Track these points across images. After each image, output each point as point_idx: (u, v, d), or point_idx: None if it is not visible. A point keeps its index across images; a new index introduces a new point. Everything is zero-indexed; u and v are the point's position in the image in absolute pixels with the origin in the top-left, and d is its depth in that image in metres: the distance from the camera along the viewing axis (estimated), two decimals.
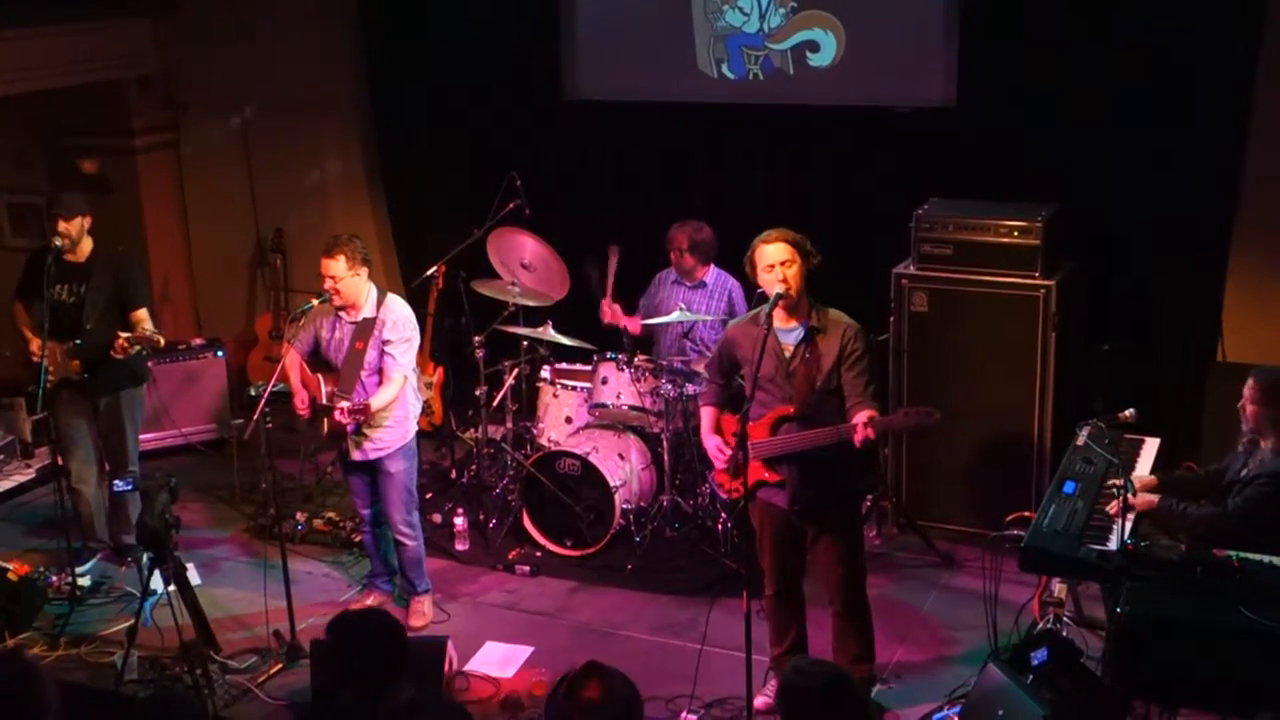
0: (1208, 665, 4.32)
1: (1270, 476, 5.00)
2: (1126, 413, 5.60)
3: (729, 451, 5.31)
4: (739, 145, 7.87)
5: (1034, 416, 6.59)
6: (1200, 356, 7.00)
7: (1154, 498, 5.19)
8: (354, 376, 5.95)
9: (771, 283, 5.07)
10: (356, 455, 6.06)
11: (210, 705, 5.54)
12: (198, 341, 8.59)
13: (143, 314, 6.59)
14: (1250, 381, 5.17)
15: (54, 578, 6.63)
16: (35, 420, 7.50)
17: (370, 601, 6.45)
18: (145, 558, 5.85)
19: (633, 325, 7.29)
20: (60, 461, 6.72)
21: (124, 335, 6.24)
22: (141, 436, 8.11)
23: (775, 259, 5.07)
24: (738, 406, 5.20)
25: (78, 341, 6.45)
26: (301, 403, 6.05)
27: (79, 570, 6.66)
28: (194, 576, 6.40)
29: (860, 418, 4.99)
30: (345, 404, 5.80)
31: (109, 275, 6.55)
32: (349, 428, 5.90)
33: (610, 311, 7.34)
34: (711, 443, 5.42)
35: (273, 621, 6.07)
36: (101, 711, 5.62)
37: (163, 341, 6.52)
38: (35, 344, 6.46)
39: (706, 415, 5.49)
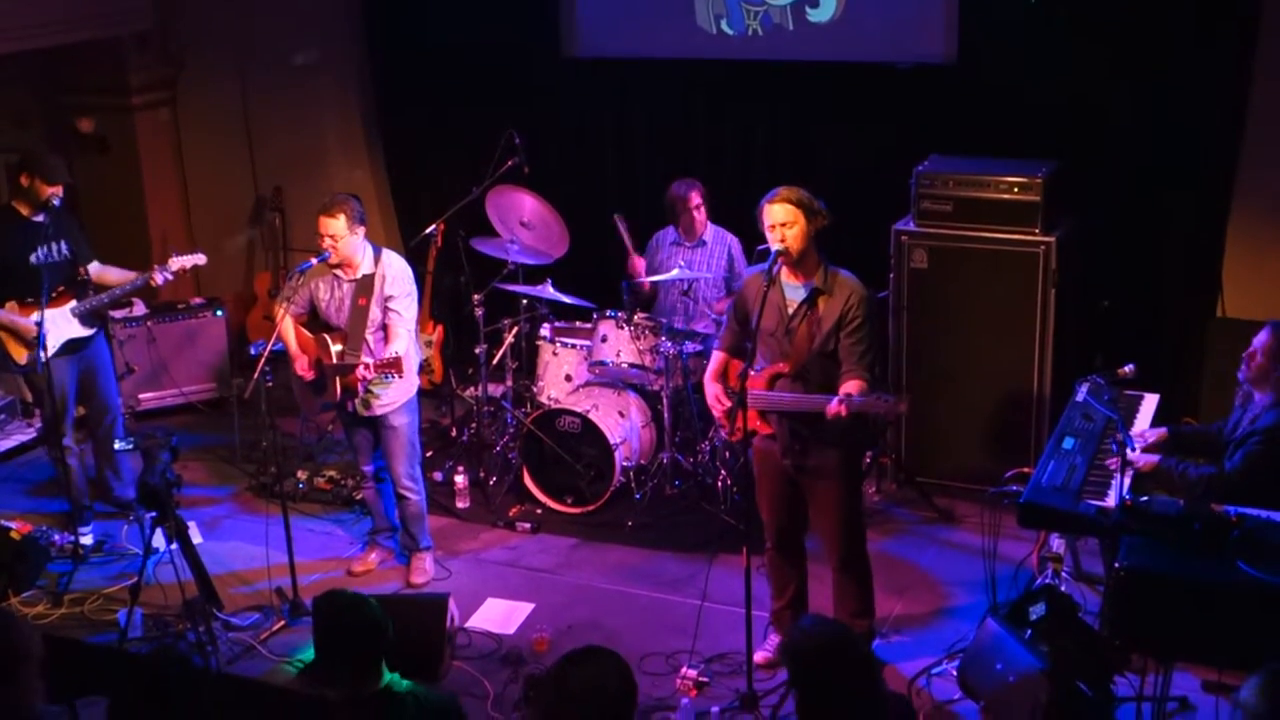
0: (1205, 619, 4.33)
1: (1264, 433, 5.00)
2: (1126, 369, 5.61)
3: (726, 402, 5.33)
4: (738, 102, 7.83)
5: (1033, 373, 6.59)
6: (1200, 312, 7.00)
7: (1154, 458, 5.20)
8: (360, 334, 5.95)
9: (773, 241, 5.07)
10: (363, 412, 6.06)
11: (214, 662, 5.58)
12: (197, 300, 8.59)
13: (98, 267, 6.59)
14: (1267, 333, 5.15)
15: (56, 536, 6.65)
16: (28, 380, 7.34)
17: (372, 558, 6.48)
18: (147, 516, 5.87)
19: (645, 283, 7.29)
20: (53, 417, 6.66)
21: (170, 260, 6.38)
22: (142, 395, 8.17)
23: (776, 219, 5.05)
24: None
25: (75, 301, 6.42)
26: (303, 366, 6.04)
27: (81, 530, 6.68)
28: (196, 535, 6.43)
29: (844, 389, 4.99)
30: (370, 360, 5.80)
31: (70, 231, 6.50)
32: (361, 386, 5.90)
33: (636, 266, 7.31)
34: (711, 390, 5.43)
35: (275, 579, 6.10)
36: (103, 668, 5.70)
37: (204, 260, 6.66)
38: (27, 314, 6.33)
39: (715, 358, 5.49)
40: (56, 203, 6.30)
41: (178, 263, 6.53)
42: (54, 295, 6.38)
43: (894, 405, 4.97)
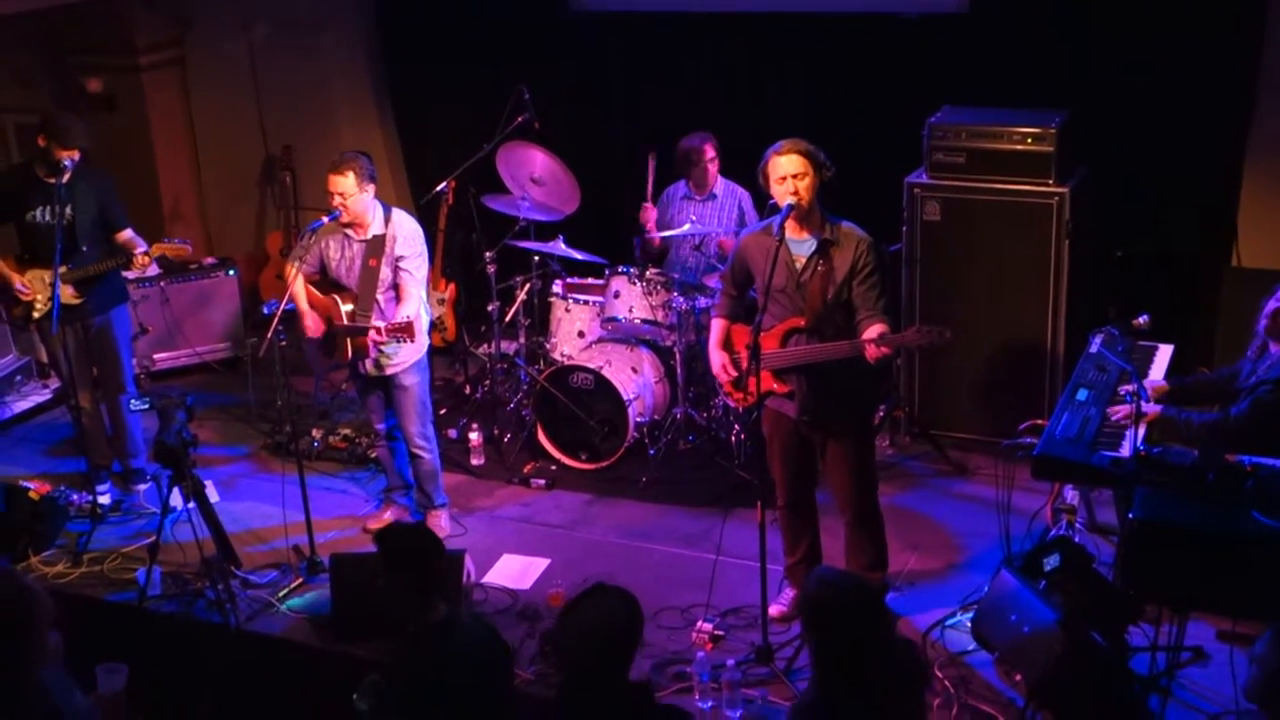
0: (1219, 569, 4.34)
1: (1275, 382, 4.99)
2: (1140, 320, 5.59)
3: (733, 371, 5.32)
4: (746, 55, 7.78)
5: (1047, 324, 6.58)
6: (1215, 262, 6.96)
7: (1156, 408, 5.18)
8: (371, 294, 5.95)
9: (783, 194, 5.04)
10: (375, 372, 6.07)
11: (233, 619, 5.63)
12: (209, 260, 8.59)
13: (129, 234, 6.50)
14: None
15: (75, 496, 6.69)
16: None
17: (388, 516, 6.51)
18: (164, 475, 5.90)
19: (656, 238, 7.27)
20: (62, 380, 6.69)
21: (154, 247, 6.30)
22: (156, 356, 8.19)
23: (787, 171, 5.03)
24: (749, 320, 5.20)
25: (65, 267, 6.28)
26: (313, 325, 6.05)
27: (98, 489, 6.73)
28: (213, 493, 6.46)
29: (871, 333, 4.98)
30: (381, 324, 5.80)
31: (93, 196, 6.41)
32: (373, 348, 5.91)
33: (649, 215, 7.29)
34: (717, 359, 5.41)
35: (291, 537, 6.14)
36: (123, 626, 5.76)
37: (190, 249, 6.57)
38: (19, 278, 6.35)
39: (716, 327, 5.47)
40: (68, 164, 6.24)
41: (160, 248, 6.44)
42: (46, 257, 6.28)
43: (940, 335, 4.97)
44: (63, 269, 6.26)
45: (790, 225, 5.10)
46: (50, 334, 6.40)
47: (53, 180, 6.28)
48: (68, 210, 6.32)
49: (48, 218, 6.32)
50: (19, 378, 7.85)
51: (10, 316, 6.65)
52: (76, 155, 6.29)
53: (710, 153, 7.10)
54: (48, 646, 3.67)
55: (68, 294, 6.34)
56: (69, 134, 6.29)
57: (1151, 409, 5.14)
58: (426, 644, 4.09)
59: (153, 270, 8.08)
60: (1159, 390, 5.36)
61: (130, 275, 7.67)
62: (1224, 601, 4.50)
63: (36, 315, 6.46)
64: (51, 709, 3.65)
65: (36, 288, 6.40)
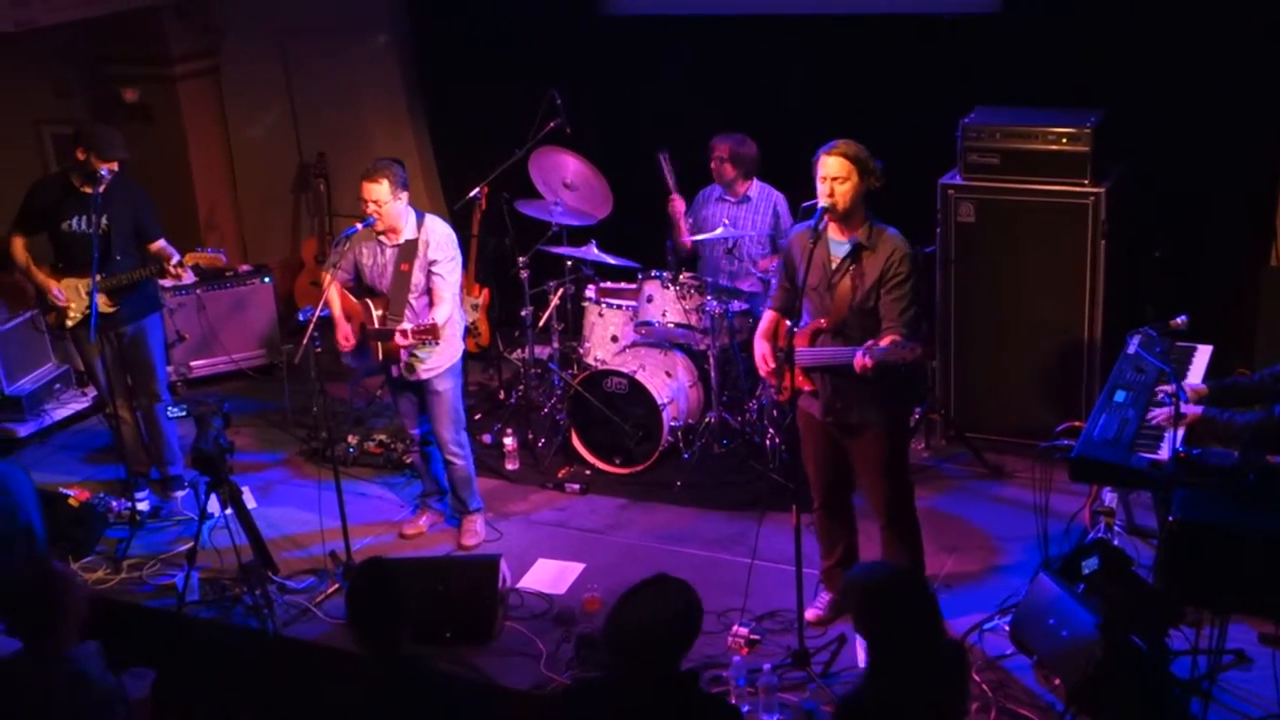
0: (1260, 571, 4.30)
1: None
2: (1178, 320, 5.55)
3: (772, 363, 5.32)
4: (780, 56, 7.76)
5: (1084, 325, 6.53)
6: (1253, 262, 6.89)
7: (1197, 409, 5.12)
8: (403, 299, 5.97)
9: (821, 195, 5.03)
10: (408, 377, 6.09)
11: (270, 625, 5.66)
12: (245, 268, 8.65)
13: (161, 244, 6.55)
14: None
15: (114, 502, 6.74)
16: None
17: (423, 522, 6.53)
18: (201, 482, 5.94)
19: (687, 240, 7.26)
20: (99, 389, 6.77)
21: (187, 256, 6.36)
22: (193, 363, 8.25)
23: (829, 172, 5.00)
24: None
25: (103, 274, 6.36)
26: (345, 336, 6.06)
27: (137, 496, 6.77)
28: (250, 500, 6.50)
29: (870, 342, 4.94)
30: (407, 326, 5.82)
31: (127, 207, 6.48)
32: (404, 352, 5.93)
33: (677, 207, 7.26)
34: (760, 349, 5.41)
35: (328, 543, 6.17)
36: (161, 632, 5.80)
37: (224, 258, 6.61)
38: (55, 284, 6.42)
39: (766, 318, 5.47)
40: (105, 173, 6.29)
41: (193, 257, 6.46)
42: (81, 266, 6.37)
43: (909, 349, 4.86)
44: (97, 278, 6.32)
45: (832, 226, 5.09)
46: (86, 342, 6.47)
47: (89, 190, 6.34)
48: (103, 220, 6.38)
49: (84, 227, 6.39)
50: (58, 386, 7.93)
51: (46, 325, 6.75)
52: (115, 166, 6.35)
53: (723, 152, 7.05)
54: (77, 626, 4.13)
55: (102, 302, 6.39)
56: (109, 146, 6.34)
57: (1192, 410, 5.08)
58: (396, 678, 3.99)
59: (189, 278, 8.13)
60: (1198, 393, 5.31)
61: (166, 284, 7.75)
62: (1266, 604, 4.46)
63: (70, 324, 6.52)
64: (79, 678, 4.05)
65: (70, 296, 6.46)
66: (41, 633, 4.13)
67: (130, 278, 6.46)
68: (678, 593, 3.78)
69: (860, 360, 4.87)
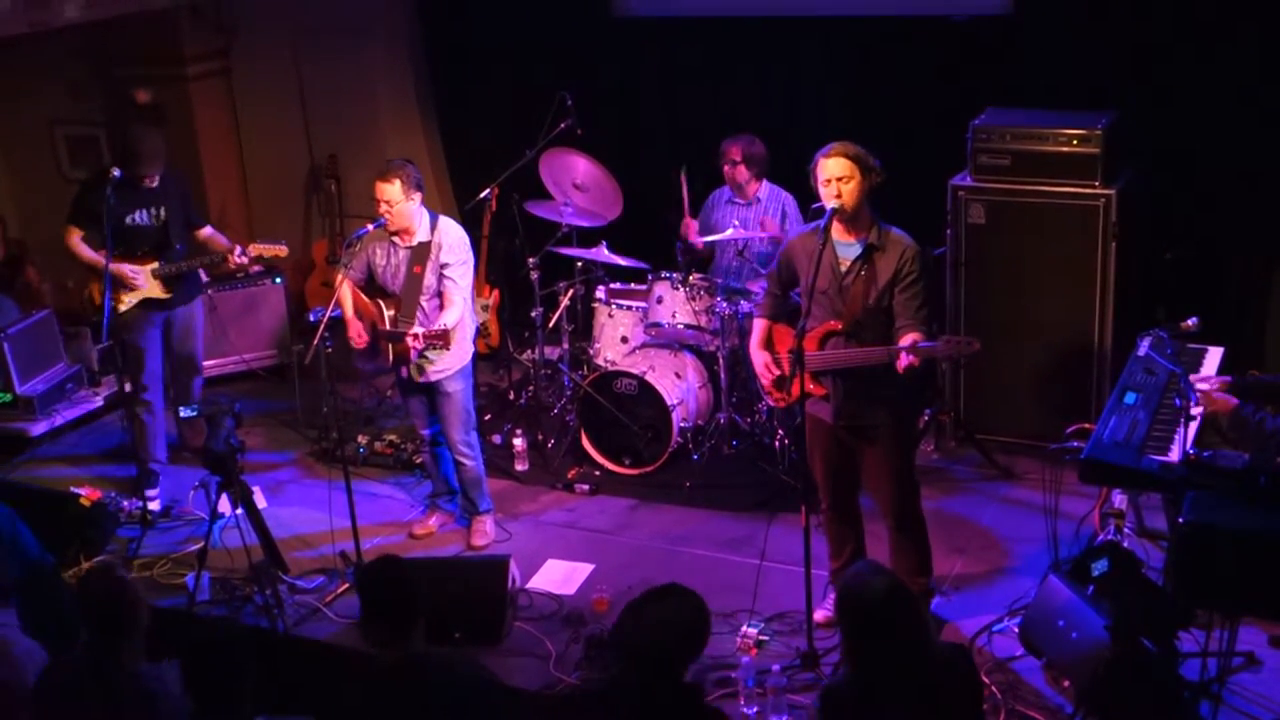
0: (1271, 574, 4.29)
1: None
2: (1189, 322, 5.52)
3: (775, 371, 5.32)
4: (791, 58, 7.76)
5: (1094, 327, 6.52)
6: (1264, 264, 6.88)
7: (1233, 399, 5.06)
8: (414, 301, 5.99)
9: (828, 197, 5.03)
10: (418, 378, 6.11)
11: (280, 624, 5.67)
12: (256, 268, 8.65)
13: (209, 230, 6.97)
14: None
15: (125, 502, 6.77)
16: (101, 349, 7.67)
17: (433, 522, 6.54)
18: (213, 482, 5.96)
19: (699, 243, 7.26)
20: (129, 387, 6.86)
21: (251, 248, 6.74)
22: (204, 363, 8.26)
23: (832, 174, 5.01)
24: (793, 321, 5.19)
25: (158, 263, 6.73)
26: (357, 334, 6.09)
27: (148, 493, 6.80)
28: (260, 499, 6.52)
29: (904, 341, 4.96)
30: (419, 330, 5.84)
31: (178, 195, 6.83)
32: (414, 353, 5.95)
33: (690, 229, 7.29)
34: (759, 359, 5.41)
35: (338, 543, 6.18)
36: (175, 632, 5.81)
37: (285, 250, 6.87)
38: (129, 266, 6.67)
39: (758, 327, 5.47)
40: (154, 184, 6.65)
41: (257, 249, 6.81)
42: (139, 255, 6.70)
43: (966, 345, 4.93)
44: (156, 264, 6.71)
45: (837, 228, 5.09)
46: (137, 328, 6.78)
47: (148, 184, 6.67)
48: (160, 211, 6.73)
49: (146, 220, 6.71)
50: (70, 386, 7.95)
51: (95, 308, 6.82)
52: (155, 177, 6.69)
53: (736, 155, 7.03)
54: (144, 641, 4.24)
55: (158, 289, 6.74)
56: (144, 163, 6.63)
57: (1225, 399, 5.00)
58: (405, 675, 4.00)
59: (254, 267, 8.19)
60: (1225, 384, 5.27)
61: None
62: (1276, 606, 4.44)
63: (123, 310, 6.74)
64: (147, 694, 4.11)
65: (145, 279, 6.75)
66: (113, 642, 4.17)
67: (190, 265, 6.84)
68: (688, 604, 3.78)
69: (905, 360, 4.88)
